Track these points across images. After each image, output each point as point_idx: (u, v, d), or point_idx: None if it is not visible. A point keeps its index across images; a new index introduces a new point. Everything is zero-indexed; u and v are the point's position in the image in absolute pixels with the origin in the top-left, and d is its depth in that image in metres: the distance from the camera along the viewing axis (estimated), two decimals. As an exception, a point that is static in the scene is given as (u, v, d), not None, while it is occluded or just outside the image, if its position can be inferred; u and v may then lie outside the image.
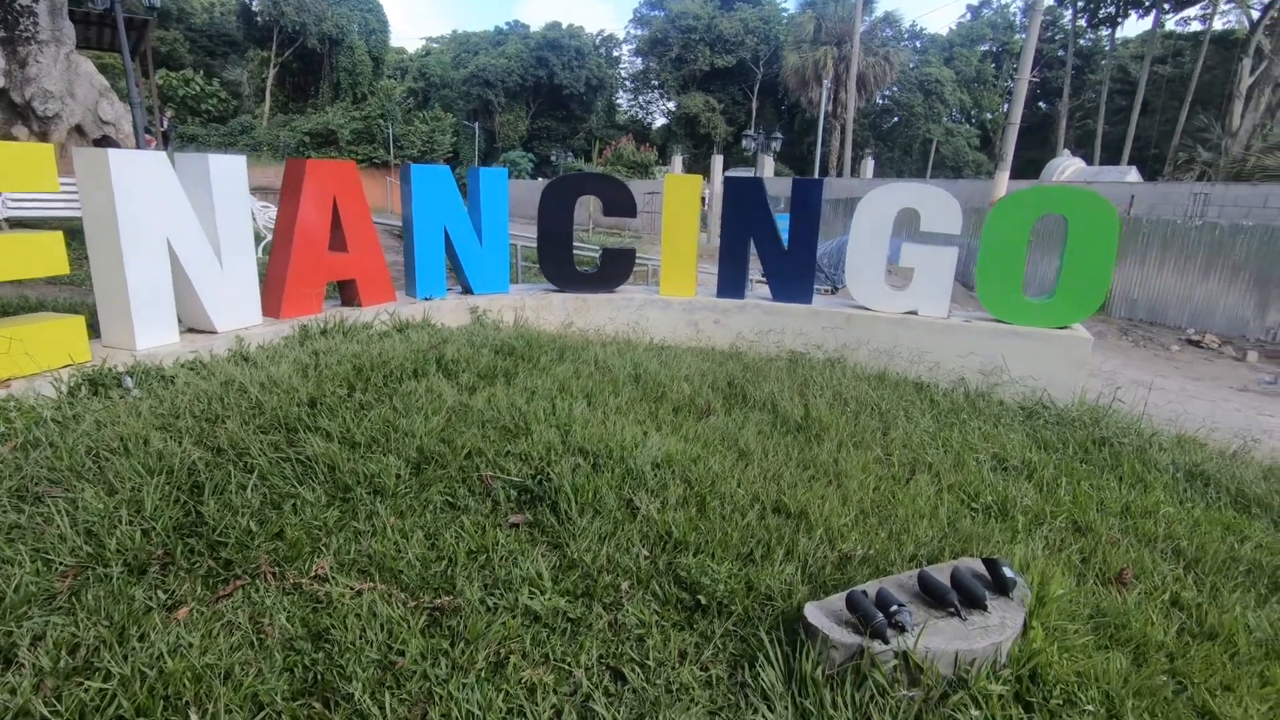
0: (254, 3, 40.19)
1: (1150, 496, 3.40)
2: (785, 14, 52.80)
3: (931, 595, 2.00)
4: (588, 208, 24.85)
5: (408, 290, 5.55)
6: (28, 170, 3.15)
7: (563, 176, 5.98)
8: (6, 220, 7.55)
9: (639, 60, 59.36)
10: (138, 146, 11.40)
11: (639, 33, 57.87)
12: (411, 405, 3.19)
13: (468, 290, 5.75)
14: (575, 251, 6.32)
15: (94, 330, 3.74)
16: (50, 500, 2.26)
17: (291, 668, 1.74)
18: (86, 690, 1.58)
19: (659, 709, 1.72)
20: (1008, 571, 2.08)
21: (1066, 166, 23.65)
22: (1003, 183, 15.44)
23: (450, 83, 51.88)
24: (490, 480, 2.67)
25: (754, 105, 53.43)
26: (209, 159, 3.90)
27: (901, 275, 5.64)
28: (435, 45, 61.45)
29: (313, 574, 2.07)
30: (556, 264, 6.00)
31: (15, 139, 11.70)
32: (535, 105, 52.00)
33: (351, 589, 2.01)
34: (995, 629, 1.91)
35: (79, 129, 12.32)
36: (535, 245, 6.14)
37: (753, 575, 2.24)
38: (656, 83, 58.53)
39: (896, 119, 50.78)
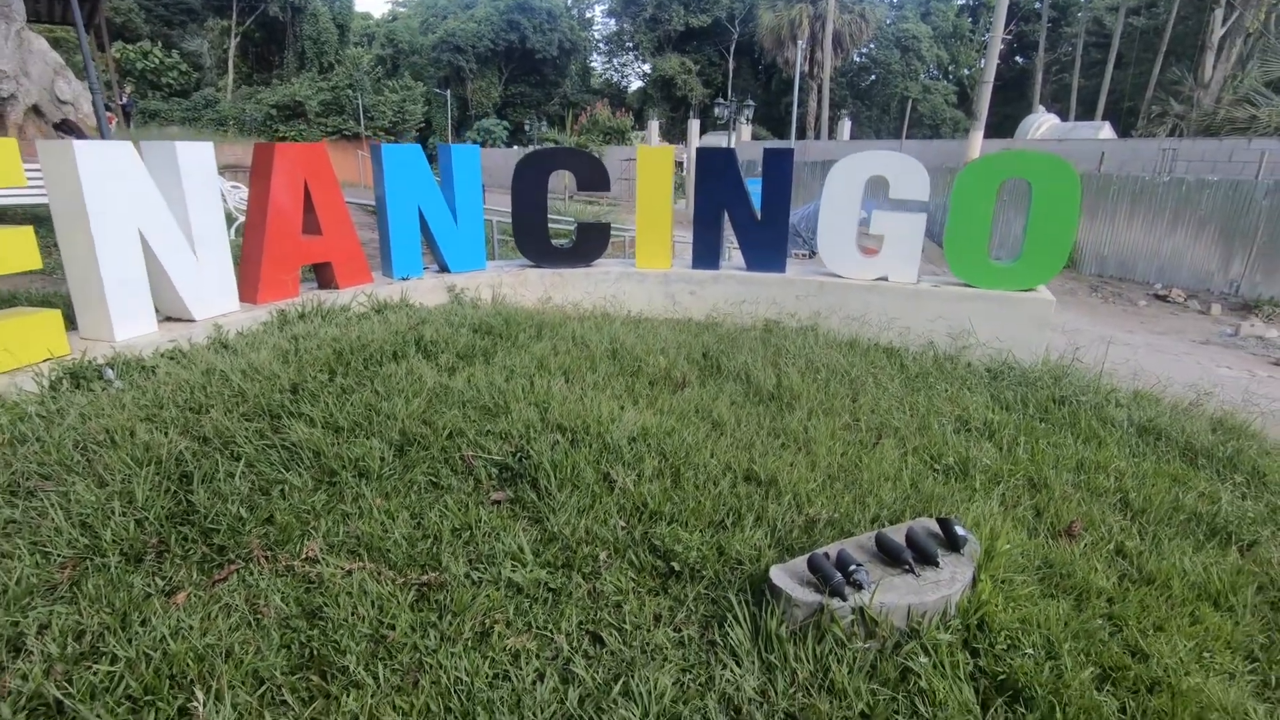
0: (210, -31, 38.67)
1: (1104, 452, 3.58)
2: (759, -30, 51.78)
3: (888, 554, 2.14)
4: (563, 178, 24.61)
5: (384, 270, 5.57)
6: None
7: (535, 151, 5.97)
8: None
9: (612, 21, 58.17)
10: (99, 126, 11.12)
11: (611, -8, 56.55)
12: (392, 388, 3.27)
13: (444, 269, 5.77)
14: (551, 225, 6.35)
15: (70, 322, 3.75)
16: (43, 494, 2.33)
17: (288, 644, 1.85)
18: (95, 673, 1.68)
19: (635, 668, 1.85)
20: (959, 529, 2.23)
21: (1041, 123, 23.75)
22: (977, 142, 15.51)
23: (419, 49, 50.55)
24: (472, 459, 2.77)
25: (730, 66, 52.69)
26: (176, 147, 3.88)
27: (875, 240, 5.74)
28: (402, 9, 59.68)
29: (304, 556, 2.17)
30: (532, 240, 6.02)
31: (-30, 121, 11.36)
32: (508, 71, 50.90)
33: (342, 569, 2.12)
34: (946, 583, 2.07)
35: (36, 109, 11.97)
36: (510, 218, 6.16)
37: (724, 541, 2.38)
38: (631, 45, 57.47)
39: (874, 77, 50.40)
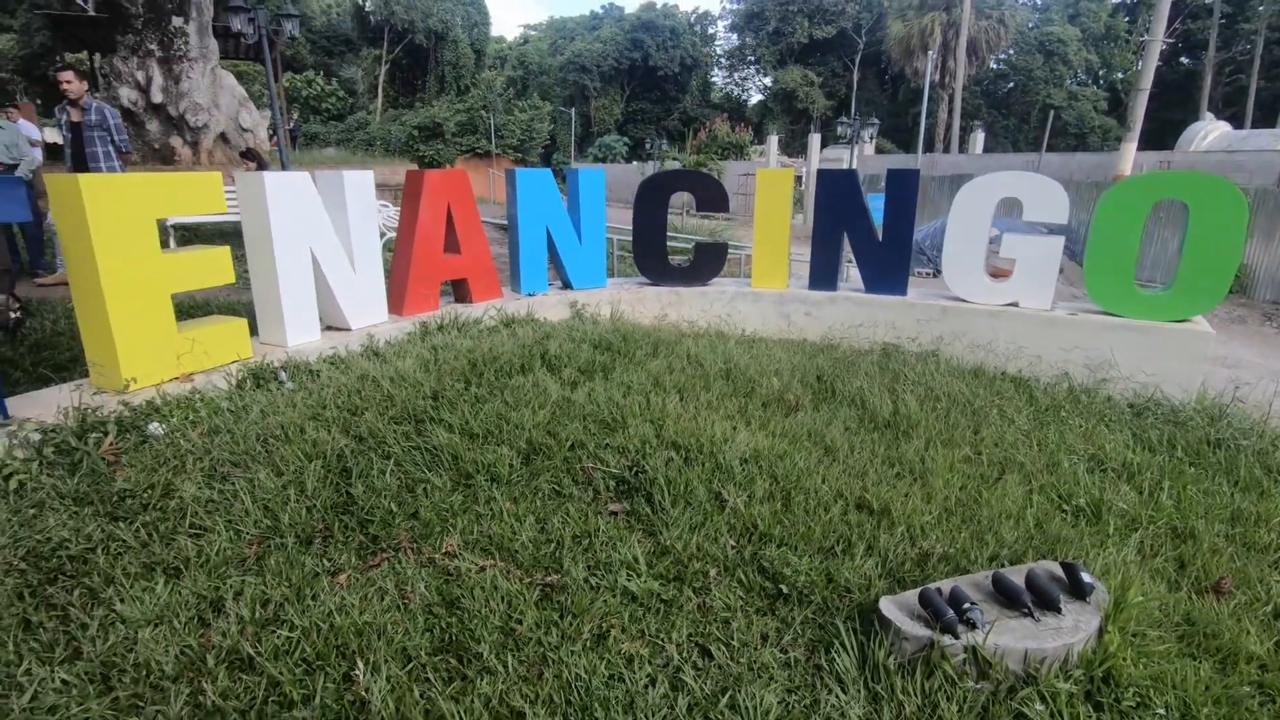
0: (367, 3, 42.46)
1: (1266, 503, 3.27)
2: (889, -21, 50.22)
3: (1005, 595, 2.10)
4: (683, 196, 24.92)
5: (513, 286, 5.95)
6: (202, 196, 3.69)
7: (657, 174, 6.19)
8: (172, 227, 8.57)
9: (734, 36, 58.39)
10: (280, 152, 12.49)
11: (735, 7, 56.82)
12: (520, 399, 3.52)
13: (567, 285, 6.08)
14: (669, 244, 6.53)
15: (252, 328, 4.31)
16: (234, 480, 2.73)
17: (431, 629, 2.08)
18: (278, 636, 1.97)
19: (741, 684, 1.93)
20: (1085, 576, 2.15)
21: (1209, 131, 21.50)
22: (1129, 155, 14.30)
23: (547, 70, 53.00)
24: (591, 471, 2.95)
25: (855, 77, 51.40)
26: (344, 176, 4.38)
27: (1006, 260, 5.48)
28: (533, 33, 62.85)
29: (444, 551, 2.42)
30: (652, 259, 6.23)
31: (172, 147, 13.14)
32: (630, 88, 52.29)
33: (476, 565, 2.34)
34: (1068, 631, 2.00)
35: (223, 136, 13.65)
36: (630, 234, 6.39)
37: (833, 568, 2.41)
38: (752, 58, 57.39)
39: (1012, 84, 47.49)
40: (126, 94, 12.42)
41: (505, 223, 6.11)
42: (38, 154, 7.24)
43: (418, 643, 2.00)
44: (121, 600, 2.08)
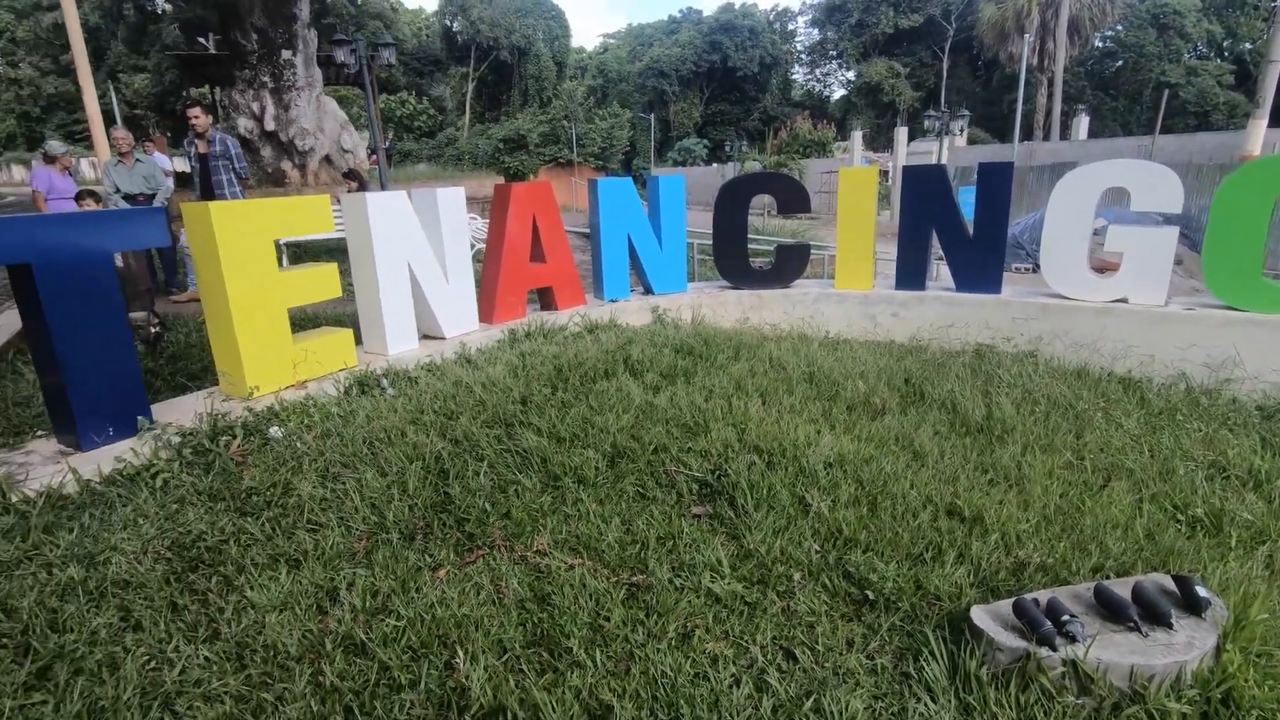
0: (454, 24, 44.35)
1: None
2: (981, -40, 47.93)
3: (1109, 608, 2.00)
4: (764, 198, 24.65)
5: (595, 292, 6.09)
6: (313, 217, 3.99)
7: (737, 178, 6.19)
8: (285, 245, 9.26)
9: (815, 31, 57.28)
10: (380, 173, 13.27)
11: (816, 1, 55.75)
12: (605, 404, 3.62)
13: (649, 291, 6.18)
14: (750, 245, 6.52)
15: (356, 338, 4.62)
16: (344, 479, 2.95)
17: (524, 623, 2.19)
18: (386, 625, 2.13)
19: (826, 688, 1.93)
20: (1201, 590, 2.02)
21: (1355, 102, 19.29)
22: (1258, 133, 13.07)
23: (626, 77, 53.66)
24: (675, 474, 3.01)
25: (944, 66, 49.32)
26: (437, 194, 4.63)
27: (1113, 253, 5.15)
28: (612, 41, 63.77)
29: (534, 549, 2.53)
30: (732, 263, 6.23)
31: (282, 171, 14.18)
32: (709, 90, 52.19)
33: (565, 563, 2.44)
34: (1180, 648, 1.89)
35: (327, 158, 14.62)
36: (710, 237, 6.42)
37: (921, 575, 2.36)
38: (834, 53, 56.12)
39: (1121, 63, 44.25)
40: (244, 123, 13.51)
41: (588, 230, 6.27)
42: (170, 183, 8.01)
43: (512, 635, 2.11)
44: (251, 587, 2.30)
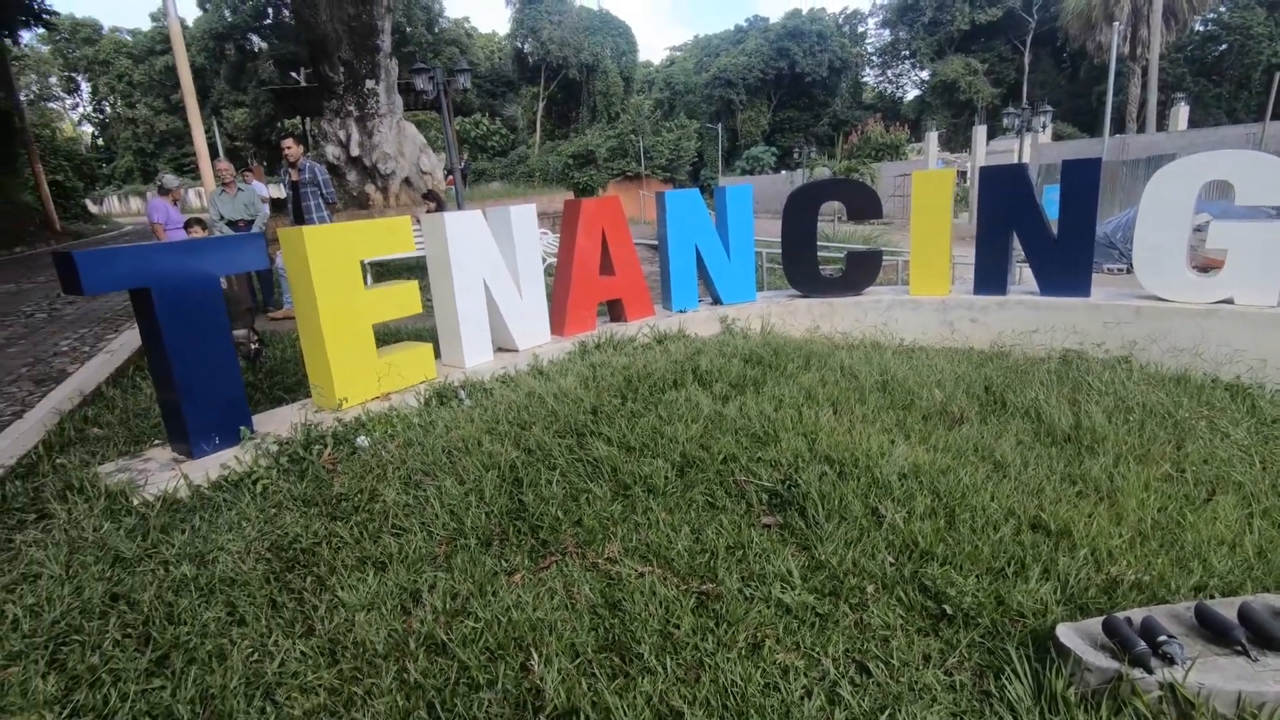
0: (525, 46, 45.68)
1: None
2: (1064, -53, 45.76)
3: (1212, 630, 1.88)
4: (834, 203, 24.19)
5: (664, 303, 6.15)
6: (395, 238, 4.21)
7: (806, 185, 6.13)
8: (369, 264, 9.76)
9: (886, 32, 55.97)
10: (456, 193, 13.83)
11: (886, 2, 54.50)
12: (673, 414, 3.65)
13: (717, 301, 6.18)
14: (820, 253, 6.43)
15: (435, 352, 4.82)
16: (425, 486, 3.09)
17: (596, 628, 2.24)
18: (465, 626, 2.22)
19: (902, 703, 1.89)
20: (1318, 613, 1.87)
21: None
22: (1387, 115, 11.90)
23: (693, 88, 53.85)
24: (744, 484, 3.01)
25: (1025, 59, 47.22)
26: (511, 212, 4.80)
27: (1216, 250, 4.82)
28: (678, 54, 64.15)
29: (606, 556, 2.58)
30: (802, 271, 6.17)
31: (366, 194, 14.93)
32: (777, 97, 51.74)
33: (636, 570, 2.48)
34: (1295, 675, 1.75)
35: (407, 180, 15.30)
36: (779, 245, 6.37)
37: (1003, 590, 2.28)
38: (907, 53, 54.64)
39: (1225, 46, 41.20)
40: (331, 150, 14.32)
41: (655, 242, 6.33)
42: (267, 209, 8.61)
43: (584, 640, 2.16)
44: (342, 588, 2.45)
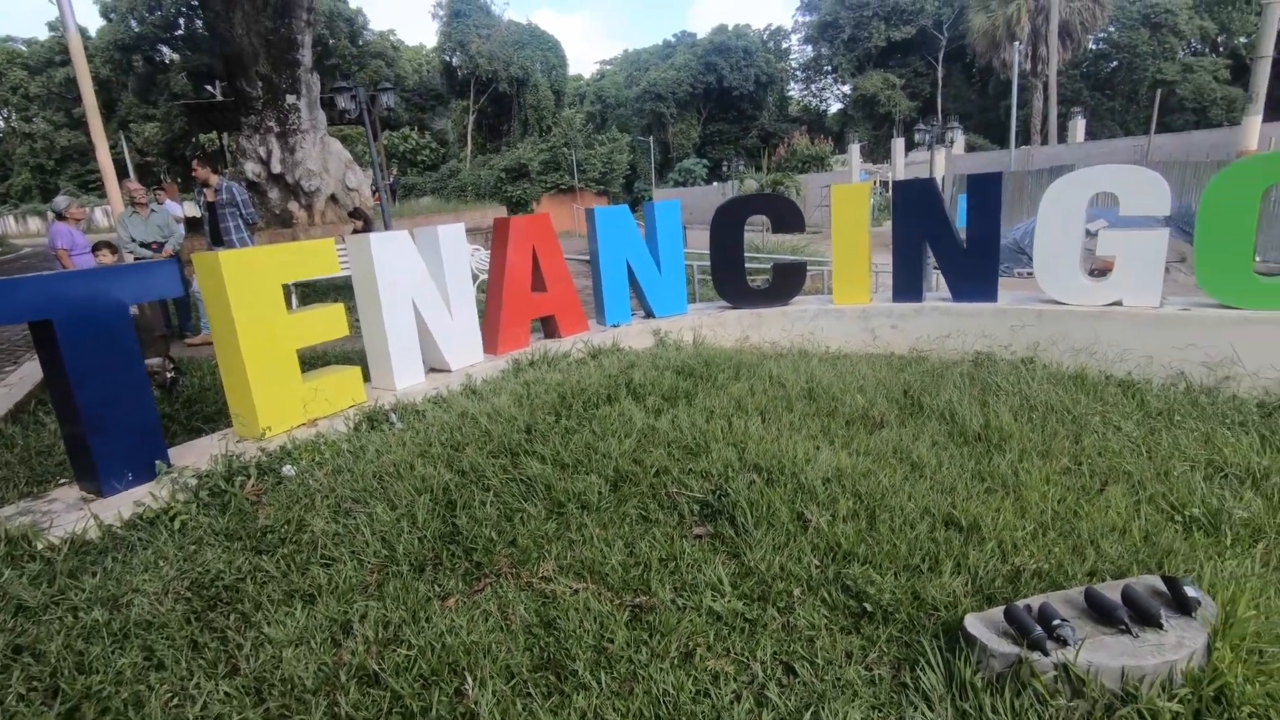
0: (453, 59, 45.22)
1: None
2: (969, -30, 48.46)
3: (1099, 611, 2.05)
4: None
5: (597, 318, 6.20)
6: (319, 261, 4.13)
7: (732, 200, 6.31)
8: (293, 285, 9.46)
9: (809, 48, 57.92)
10: (383, 211, 13.54)
11: (807, 19, 56.48)
12: (607, 429, 3.70)
13: (650, 314, 6.28)
14: (748, 264, 6.61)
15: (364, 375, 4.73)
16: (356, 514, 3.04)
17: (531, 648, 2.26)
18: (398, 655, 2.20)
19: (825, 700, 1.98)
20: (1190, 590, 2.06)
21: (1352, 92, 19.32)
22: (1253, 129, 13.10)
23: (624, 101, 54.42)
24: (676, 496, 3.07)
25: (939, 74, 49.69)
26: (439, 231, 4.76)
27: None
28: (609, 68, 64.73)
29: (540, 575, 2.60)
30: (730, 283, 6.33)
31: (289, 211, 14.47)
32: (706, 110, 52.79)
33: (570, 588, 2.51)
34: (1171, 648, 1.93)
35: (332, 197, 14.90)
36: (709, 258, 6.52)
37: (918, 586, 2.41)
38: (829, 68, 56.69)
39: (1115, 63, 44.45)
40: (251, 167, 13.83)
41: (589, 257, 6.39)
42: (182, 229, 8.24)
43: (519, 660, 2.18)
44: (268, 623, 2.38)
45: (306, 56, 13.81)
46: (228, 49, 13.36)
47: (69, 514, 3.08)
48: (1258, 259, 12.08)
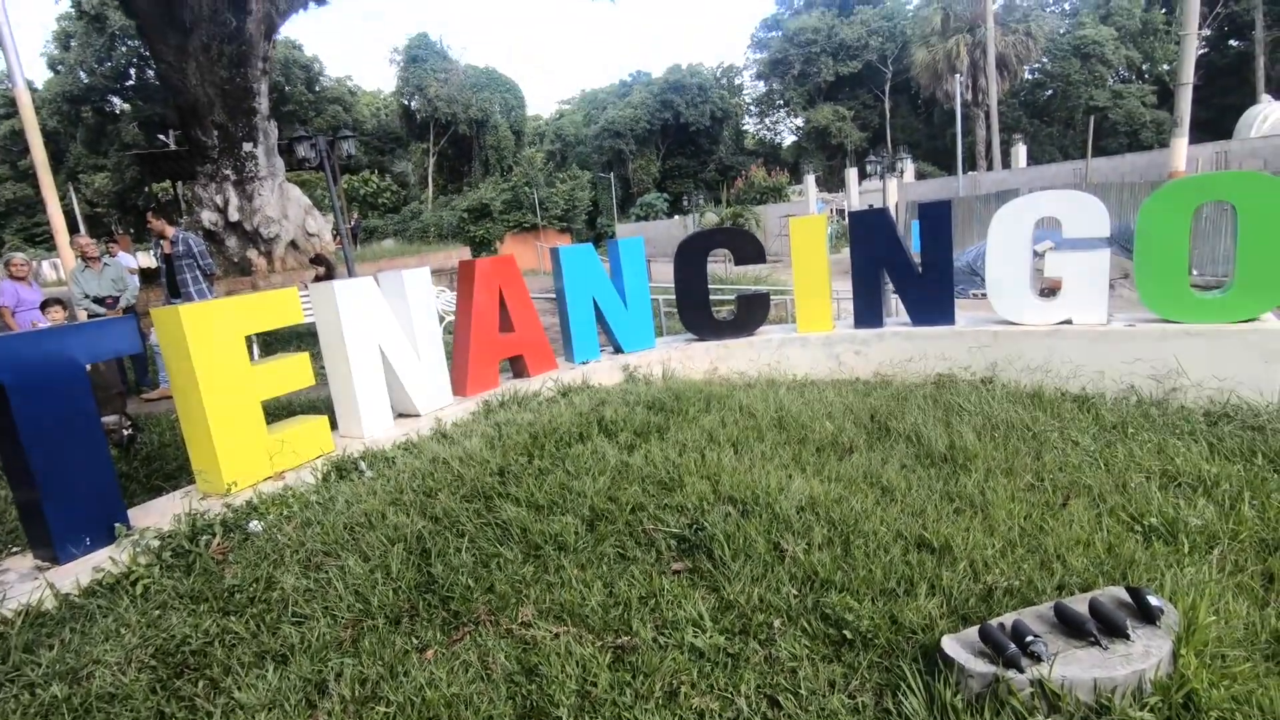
0: (412, 103, 45.49)
1: (1361, 506, 3.11)
2: (909, 6, 50.77)
3: (1069, 625, 2.10)
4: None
5: (566, 356, 6.22)
6: (281, 310, 4.09)
7: (693, 234, 6.44)
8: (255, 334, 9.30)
9: (761, 84, 59.65)
10: (344, 252, 13.44)
11: (758, 56, 58.28)
12: (581, 467, 3.70)
13: (618, 350, 6.32)
14: (713, 296, 6.72)
15: (331, 423, 4.65)
16: (328, 568, 2.97)
17: (513, 696, 2.22)
18: (376, 713, 2.15)
19: (811, 732, 1.99)
20: (1153, 599, 2.13)
21: (1268, 114, 20.61)
22: (1180, 150, 13.86)
23: (584, 139, 55.22)
24: (653, 532, 3.08)
25: (886, 106, 51.57)
26: (403, 276, 4.76)
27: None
28: (567, 107, 65.75)
29: (520, 621, 2.57)
30: (696, 315, 6.42)
31: (248, 259, 14.27)
32: (664, 146, 53.81)
33: (551, 632, 2.48)
34: (1139, 657, 1.98)
35: (293, 243, 14.75)
36: (674, 291, 6.61)
37: (895, 610, 2.44)
38: (781, 102, 58.38)
39: (1051, 91, 46.71)
40: (207, 216, 13.65)
41: (554, 295, 6.43)
42: (136, 281, 8.08)
43: (501, 710, 2.14)
44: (239, 688, 2.31)
45: (263, 104, 13.78)
46: (182, 99, 13.27)
47: (23, 584, 2.95)
48: (1194, 273, 12.68)
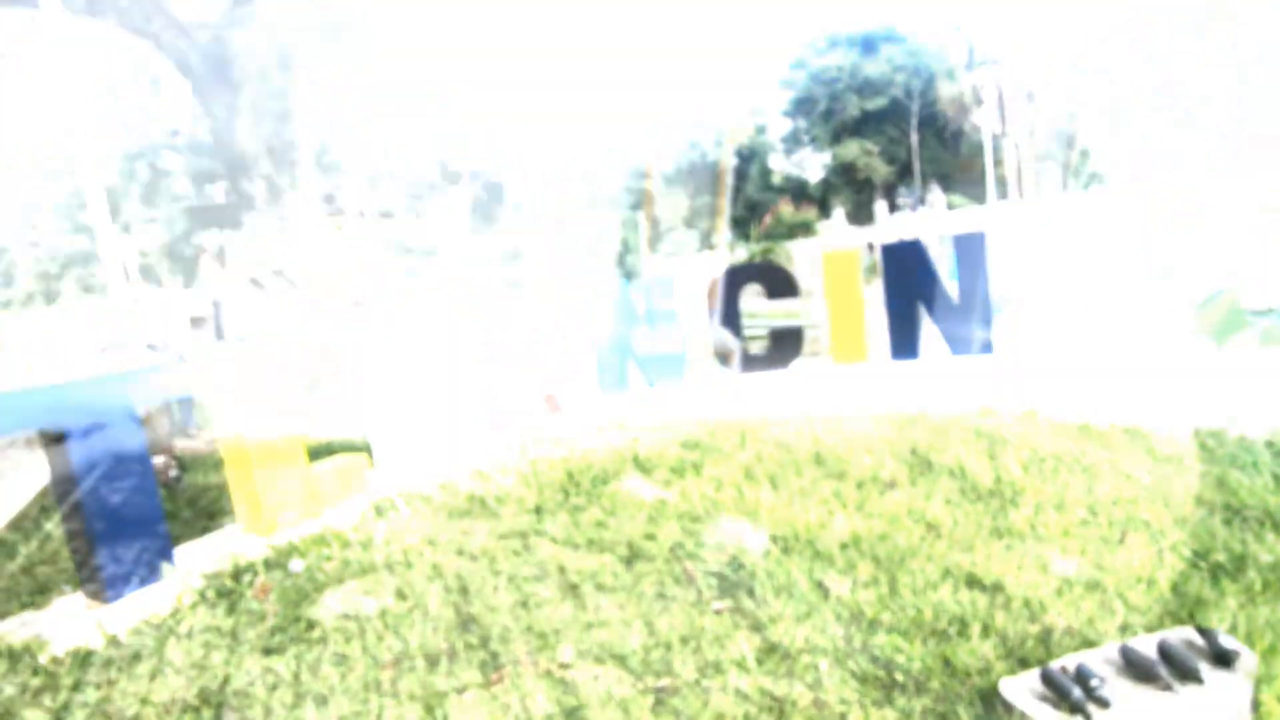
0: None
1: None
2: (933, 44, 51.13)
3: (1136, 668, 1.99)
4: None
5: (600, 387, 6.22)
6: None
7: (728, 270, 6.47)
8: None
9: (789, 121, 60.30)
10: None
11: (785, 93, 59.05)
12: (617, 505, 3.67)
13: (650, 384, 6.30)
14: (746, 331, 6.70)
15: (370, 460, 4.71)
16: (367, 607, 2.97)
17: (554, 741, 2.17)
18: (416, 757, 2.12)
19: (864, 781, 1.90)
20: (1226, 642, 2.01)
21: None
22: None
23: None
24: (692, 570, 3.02)
25: (914, 139, 51.66)
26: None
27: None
28: (596, 150, 67.10)
29: (559, 662, 2.53)
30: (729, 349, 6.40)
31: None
32: (693, 184, 54.48)
33: (591, 674, 2.43)
34: (1214, 704, 1.87)
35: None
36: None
37: (948, 652, 2.35)
38: (808, 139, 58.90)
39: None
40: (250, 264, 14.14)
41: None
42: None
43: (543, 755, 2.09)
44: (280, 729, 2.30)
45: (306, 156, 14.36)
46: (229, 152, 13.89)
47: (73, 624, 3.01)
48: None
